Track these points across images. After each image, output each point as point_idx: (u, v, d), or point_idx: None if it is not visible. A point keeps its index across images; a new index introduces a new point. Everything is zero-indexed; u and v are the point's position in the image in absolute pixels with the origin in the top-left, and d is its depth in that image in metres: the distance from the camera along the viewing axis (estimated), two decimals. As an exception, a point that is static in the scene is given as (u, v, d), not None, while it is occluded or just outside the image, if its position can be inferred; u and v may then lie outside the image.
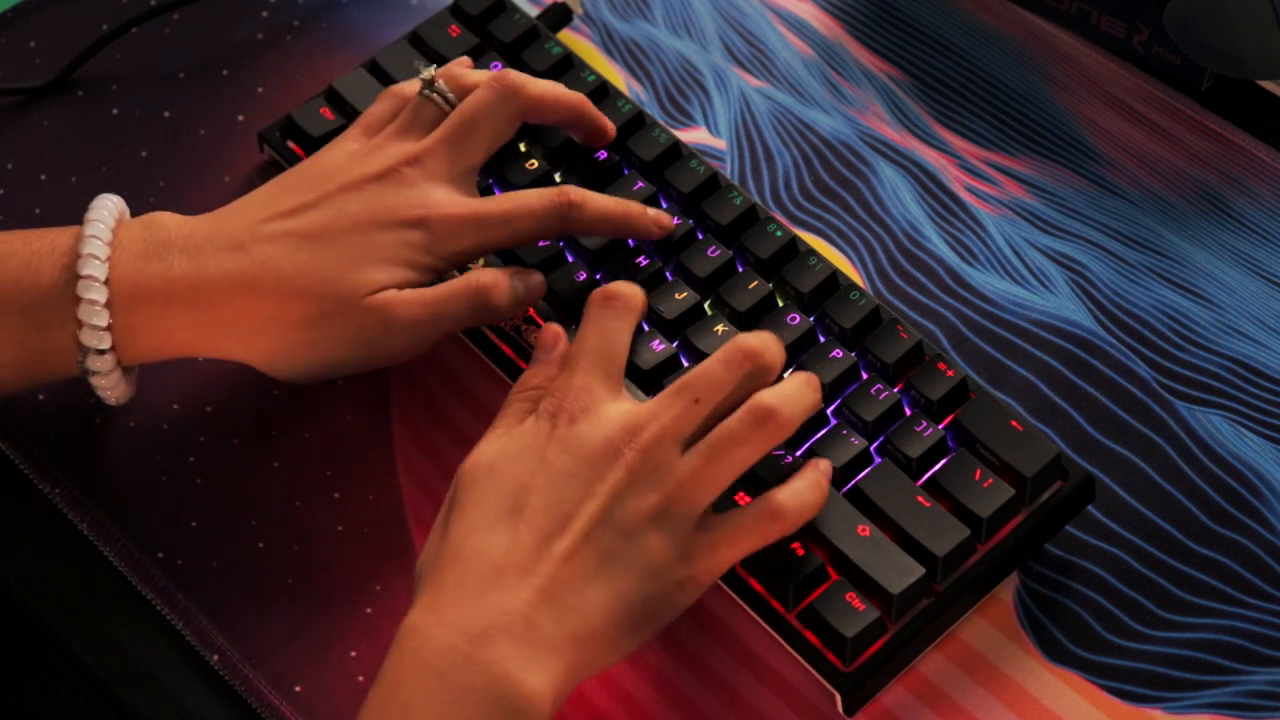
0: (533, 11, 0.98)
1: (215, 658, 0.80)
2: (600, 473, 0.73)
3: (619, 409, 0.75)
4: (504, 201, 0.83)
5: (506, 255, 0.86)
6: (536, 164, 0.89)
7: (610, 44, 0.98)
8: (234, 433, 0.86)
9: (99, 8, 1.00)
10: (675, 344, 0.83)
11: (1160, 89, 0.95)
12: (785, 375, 0.79)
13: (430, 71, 0.86)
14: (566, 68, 0.92)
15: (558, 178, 0.88)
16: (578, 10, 0.99)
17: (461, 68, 0.87)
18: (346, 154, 0.84)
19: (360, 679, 0.79)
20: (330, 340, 0.81)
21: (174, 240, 0.81)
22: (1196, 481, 0.83)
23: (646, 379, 0.82)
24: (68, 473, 0.85)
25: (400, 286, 0.81)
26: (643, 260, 0.85)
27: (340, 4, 1.01)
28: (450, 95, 0.85)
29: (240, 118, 0.96)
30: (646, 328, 0.83)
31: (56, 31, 1.00)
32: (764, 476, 0.78)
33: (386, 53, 0.94)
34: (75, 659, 0.82)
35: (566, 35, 0.99)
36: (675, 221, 0.86)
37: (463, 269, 0.85)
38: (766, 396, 0.75)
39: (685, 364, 0.82)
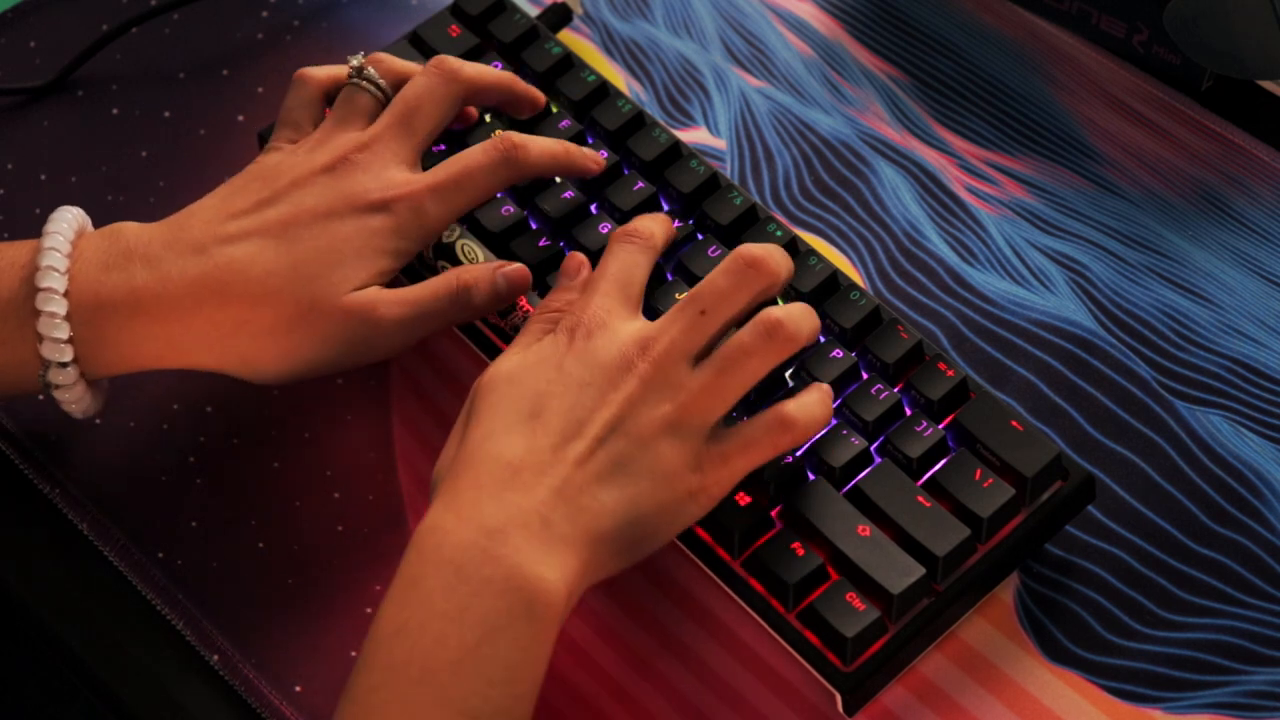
0: (533, 11, 0.98)
1: (215, 658, 0.80)
2: (614, 382, 0.75)
3: (633, 325, 0.77)
4: (453, 165, 0.83)
5: (507, 255, 0.86)
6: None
7: (610, 44, 0.98)
8: (234, 433, 0.86)
9: (99, 8, 1.00)
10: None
11: (1160, 89, 0.95)
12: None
13: (358, 59, 0.86)
14: (566, 68, 0.92)
15: (557, 178, 0.88)
16: (578, 10, 0.99)
17: (387, 55, 0.87)
18: (288, 152, 0.84)
19: (360, 679, 0.79)
20: (310, 343, 0.80)
21: (134, 250, 0.80)
22: (1196, 481, 0.83)
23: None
24: (68, 473, 0.85)
25: (376, 279, 0.81)
26: (643, 260, 0.85)
27: (340, 4, 1.01)
28: (380, 81, 0.86)
29: (240, 118, 0.96)
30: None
31: (56, 31, 1.00)
32: (765, 476, 0.78)
33: (386, 52, 0.94)
34: (75, 659, 0.82)
35: (566, 35, 0.99)
36: (604, 155, 0.87)
37: (444, 250, 0.85)
38: (775, 310, 0.77)
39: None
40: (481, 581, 0.70)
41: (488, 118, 0.91)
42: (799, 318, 0.77)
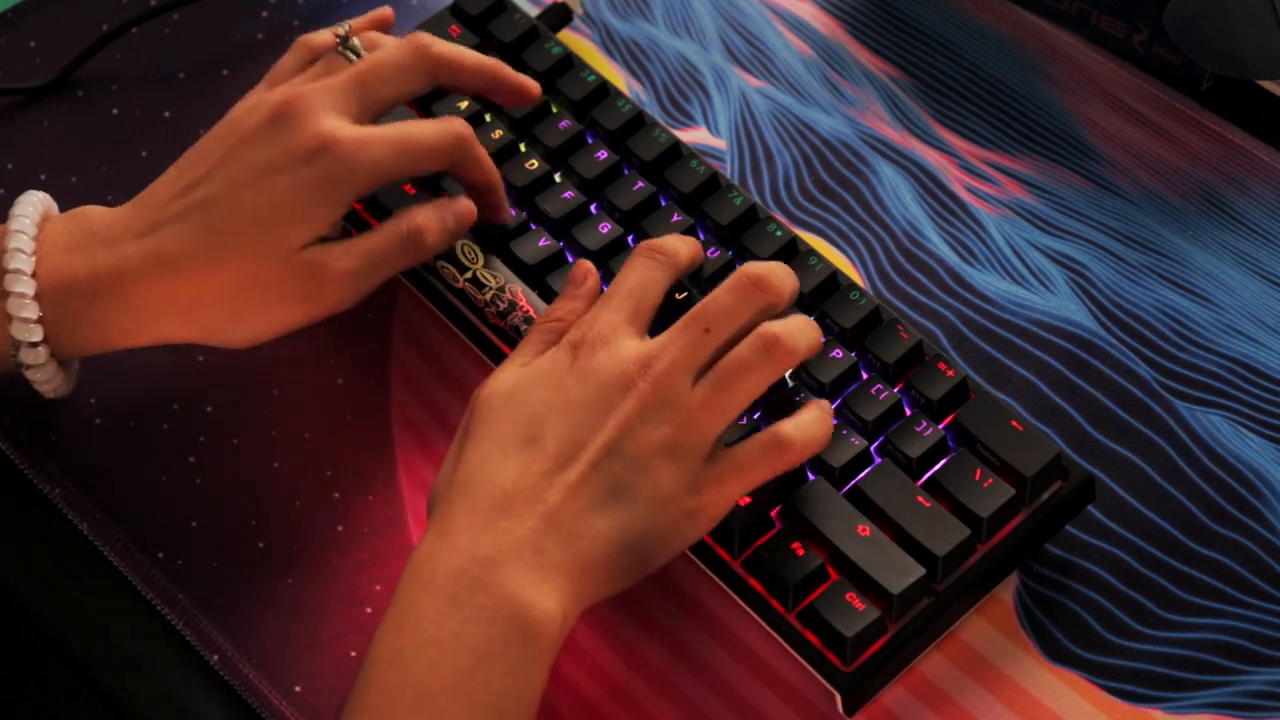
0: (533, 11, 0.98)
1: (215, 658, 0.80)
2: (613, 403, 0.74)
3: (637, 343, 0.76)
4: (396, 129, 0.82)
5: (507, 255, 0.86)
6: (537, 164, 0.89)
7: (610, 44, 0.98)
8: (234, 433, 0.86)
9: (99, 8, 1.01)
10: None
11: (1160, 89, 0.95)
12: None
13: (345, 27, 0.86)
14: (566, 68, 0.92)
15: (557, 178, 0.89)
16: (578, 10, 0.99)
17: (378, 31, 0.87)
18: (248, 106, 0.84)
19: (360, 679, 0.79)
20: (267, 304, 0.81)
21: (97, 231, 0.81)
22: (1196, 481, 0.83)
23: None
24: (68, 473, 0.85)
25: (322, 230, 0.81)
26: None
27: (340, 4, 1.01)
28: (363, 52, 0.85)
29: (240, 118, 0.96)
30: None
31: (56, 31, 1.00)
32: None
33: (386, 52, 0.94)
34: (75, 659, 0.82)
35: (566, 35, 0.99)
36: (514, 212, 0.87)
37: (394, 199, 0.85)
38: (773, 325, 0.76)
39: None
40: (475, 609, 0.70)
41: (488, 116, 0.91)
42: (797, 332, 0.77)
